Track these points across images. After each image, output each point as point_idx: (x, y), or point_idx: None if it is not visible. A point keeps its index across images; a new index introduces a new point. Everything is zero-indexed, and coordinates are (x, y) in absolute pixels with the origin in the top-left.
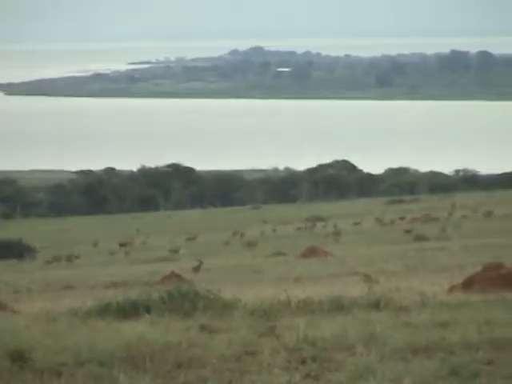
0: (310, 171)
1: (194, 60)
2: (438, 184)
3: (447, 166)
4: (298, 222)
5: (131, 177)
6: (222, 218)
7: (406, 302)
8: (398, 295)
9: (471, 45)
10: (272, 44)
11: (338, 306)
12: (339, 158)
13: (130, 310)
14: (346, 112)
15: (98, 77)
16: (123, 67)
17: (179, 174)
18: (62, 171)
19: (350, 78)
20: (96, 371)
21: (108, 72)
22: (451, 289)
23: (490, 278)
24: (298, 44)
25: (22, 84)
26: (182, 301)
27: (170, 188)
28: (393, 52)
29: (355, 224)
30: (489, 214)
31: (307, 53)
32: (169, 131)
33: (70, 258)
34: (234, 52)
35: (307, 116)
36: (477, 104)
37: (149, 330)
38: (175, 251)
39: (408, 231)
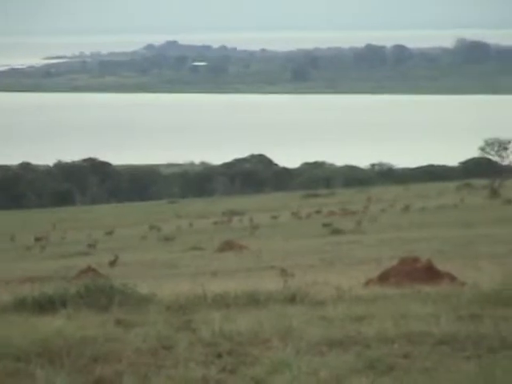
0: (227, 165)
1: (109, 55)
2: (353, 178)
3: (363, 159)
4: (215, 216)
5: (47, 172)
6: (139, 212)
7: (322, 295)
8: (314, 289)
9: (387, 39)
10: (187, 38)
11: (254, 300)
12: (256, 152)
13: (46, 305)
14: (262, 106)
15: (13, 71)
16: (39, 62)
17: (95, 168)
18: None
19: (267, 73)
20: (12, 366)
21: (23, 67)
22: (367, 282)
23: (406, 271)
24: (214, 38)
25: None
26: (98, 295)
27: (87, 183)
28: (309, 46)
29: (272, 218)
30: (406, 207)
31: (223, 47)
32: (84, 126)
33: None
34: (149, 46)
35: (224, 110)
36: (392, 98)
37: (65, 325)
38: (92, 246)
39: (326, 225)
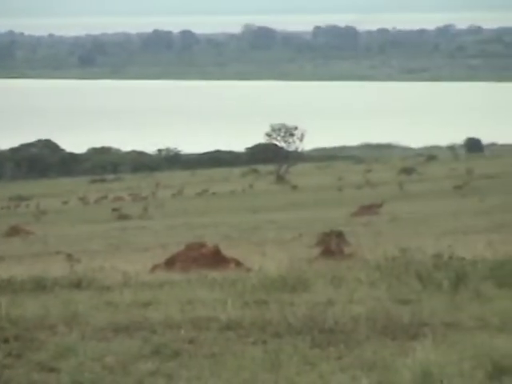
0: (13, 150)
1: None
2: (141, 163)
3: (150, 145)
4: (2, 201)
5: None
6: None
7: (109, 281)
8: (100, 274)
9: (174, 24)
10: None
11: (40, 286)
12: (42, 137)
13: None
14: (49, 91)
15: None
16: None
17: None
18: None
19: (54, 58)
20: None
21: None
22: (154, 268)
23: (193, 256)
24: (1, 23)
25: None
26: None
27: None
28: (96, 31)
29: (59, 203)
30: (203, 192)
31: (10, 32)
32: None
33: None
34: None
35: (11, 96)
36: (180, 83)
37: None
38: None
39: (114, 210)
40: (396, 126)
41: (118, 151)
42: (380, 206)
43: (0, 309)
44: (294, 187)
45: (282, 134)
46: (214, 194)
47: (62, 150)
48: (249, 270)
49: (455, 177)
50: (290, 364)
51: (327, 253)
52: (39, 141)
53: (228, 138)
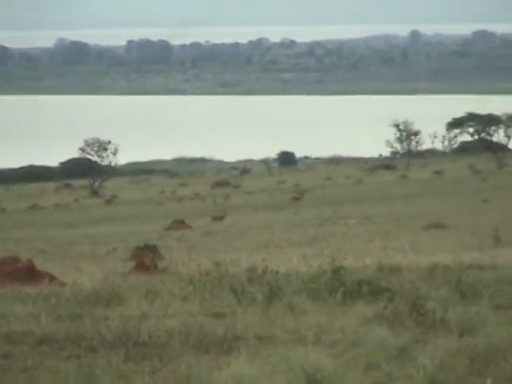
0: None
1: None
2: None
3: None
4: None
5: None
6: None
7: None
8: None
9: None
10: None
11: None
12: None
13: None
14: None
15: None
16: None
17: None
18: None
19: None
20: None
21: None
22: None
23: (6, 271)
24: None
25: None
26: None
27: None
28: None
29: None
30: (34, 206)
31: None
32: None
33: None
34: None
35: None
36: None
37: None
38: None
39: None
40: (209, 139)
41: None
42: (222, 218)
43: None
44: (108, 202)
45: (96, 149)
46: (42, 207)
47: None
48: (63, 284)
49: (270, 190)
50: (104, 378)
51: (141, 267)
52: None
53: (42, 153)
